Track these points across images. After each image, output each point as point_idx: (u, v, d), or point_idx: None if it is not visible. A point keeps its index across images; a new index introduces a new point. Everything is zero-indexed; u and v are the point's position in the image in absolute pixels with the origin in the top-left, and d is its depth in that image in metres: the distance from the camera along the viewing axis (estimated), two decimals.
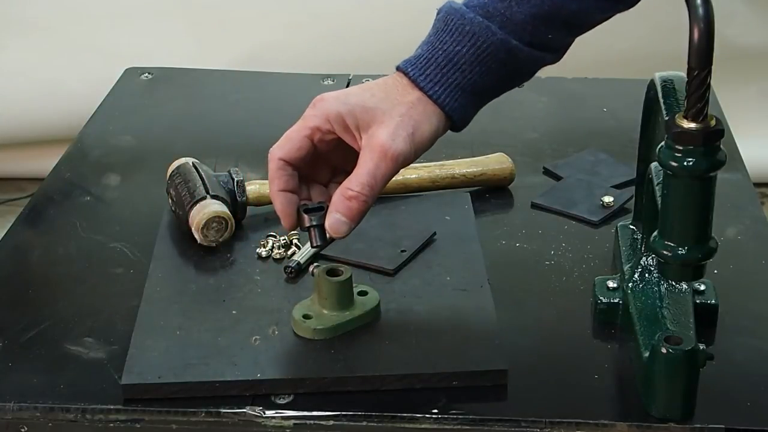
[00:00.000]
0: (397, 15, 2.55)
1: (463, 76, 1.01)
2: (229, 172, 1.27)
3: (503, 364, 1.03)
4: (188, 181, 1.24)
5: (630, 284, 1.09)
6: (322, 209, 1.02)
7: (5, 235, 1.29)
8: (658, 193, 0.99)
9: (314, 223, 1.02)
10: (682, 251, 0.94)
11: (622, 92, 1.61)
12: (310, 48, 2.63)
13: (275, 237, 1.22)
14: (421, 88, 1.01)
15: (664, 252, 0.95)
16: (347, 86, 1.45)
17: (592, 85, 1.67)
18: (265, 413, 1.00)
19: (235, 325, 1.08)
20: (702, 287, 1.10)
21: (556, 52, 1.04)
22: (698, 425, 0.97)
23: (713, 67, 0.89)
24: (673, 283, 1.08)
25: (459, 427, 0.98)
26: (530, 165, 1.40)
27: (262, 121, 1.53)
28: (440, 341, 1.06)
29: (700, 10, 0.88)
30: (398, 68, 1.03)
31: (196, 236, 1.20)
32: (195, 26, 2.70)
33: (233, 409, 1.00)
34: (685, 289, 1.08)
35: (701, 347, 0.96)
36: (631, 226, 1.19)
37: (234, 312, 1.11)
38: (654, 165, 1.03)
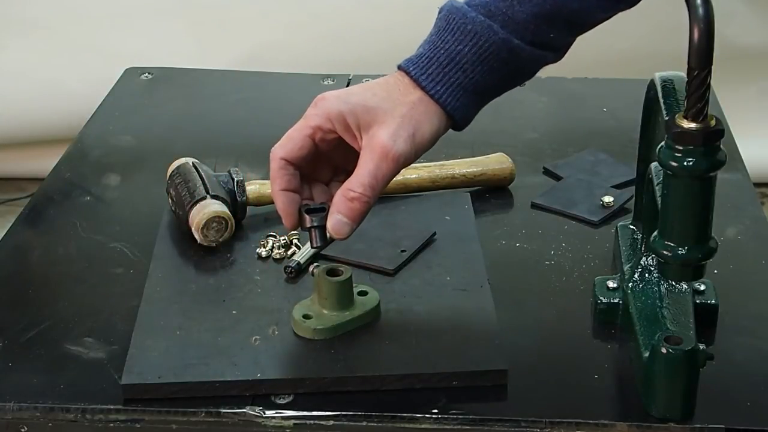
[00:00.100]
0: (397, 15, 2.55)
1: (464, 76, 1.01)
2: (229, 172, 1.27)
3: (503, 364, 1.03)
4: (188, 181, 1.24)
5: (630, 284, 1.09)
6: (323, 210, 1.02)
7: (5, 235, 1.29)
8: (658, 193, 0.99)
9: (315, 224, 1.02)
10: (682, 251, 0.94)
11: (622, 92, 1.61)
12: (310, 48, 2.64)
13: (275, 237, 1.22)
14: (422, 88, 1.01)
15: (664, 252, 0.95)
16: (347, 86, 1.45)
17: (592, 85, 1.67)
18: (265, 413, 1.00)
19: (235, 325, 1.08)
20: (702, 287, 1.10)
21: (557, 51, 1.04)
22: (698, 425, 0.97)
23: (713, 67, 0.89)
24: (673, 283, 1.08)
25: (459, 427, 0.98)
26: (530, 165, 1.40)
27: (262, 121, 1.53)
28: (440, 341, 1.06)
29: (700, 10, 0.88)
30: (400, 67, 1.03)
31: (196, 236, 1.20)
32: (195, 26, 2.70)
33: (233, 409, 1.00)
34: (685, 289, 1.08)
35: (701, 347, 0.96)
36: (631, 226, 1.19)
37: (234, 312, 1.11)
38: (654, 165, 1.03)
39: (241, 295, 1.13)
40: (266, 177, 1.32)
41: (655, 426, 0.98)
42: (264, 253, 1.20)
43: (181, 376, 1.01)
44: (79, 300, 1.16)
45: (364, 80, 1.43)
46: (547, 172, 1.39)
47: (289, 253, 1.20)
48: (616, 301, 1.10)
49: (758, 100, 2.80)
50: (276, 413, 1.00)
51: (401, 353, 1.04)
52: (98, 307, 1.14)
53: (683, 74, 0.93)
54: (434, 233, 1.22)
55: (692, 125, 0.90)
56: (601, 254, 1.22)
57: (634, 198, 1.23)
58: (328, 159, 1.04)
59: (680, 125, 0.91)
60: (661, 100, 1.05)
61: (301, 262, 1.17)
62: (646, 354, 0.98)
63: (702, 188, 0.92)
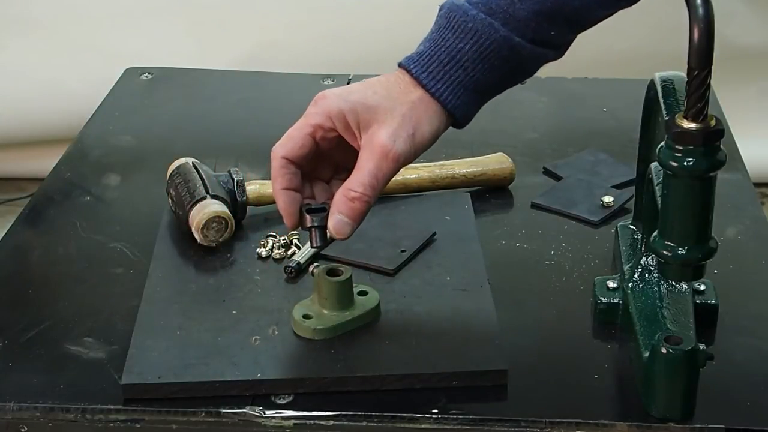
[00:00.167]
0: (397, 15, 2.55)
1: (465, 74, 1.01)
2: (229, 172, 1.27)
3: (503, 364, 1.03)
4: (188, 181, 1.24)
5: (630, 284, 1.09)
6: (324, 210, 1.02)
7: (5, 235, 1.29)
8: (658, 193, 0.99)
9: (315, 224, 1.02)
10: (682, 251, 0.94)
11: (622, 92, 1.61)
12: (310, 48, 2.63)
13: (275, 237, 1.22)
14: (423, 86, 1.01)
15: (664, 252, 0.95)
16: None
17: (592, 85, 1.67)
18: (265, 413, 1.00)
19: (235, 325, 1.08)
20: (702, 287, 1.10)
21: (558, 49, 1.04)
22: (698, 425, 0.97)
23: (713, 67, 0.89)
24: (673, 283, 1.08)
25: (459, 427, 0.98)
26: (530, 165, 1.40)
27: (262, 121, 1.53)
28: (440, 341, 1.06)
29: (700, 10, 0.88)
30: (400, 65, 1.02)
31: (196, 236, 1.20)
32: (195, 26, 2.70)
33: (233, 409, 1.00)
34: (685, 289, 1.08)
35: (701, 347, 0.96)
36: (631, 226, 1.19)
37: (234, 312, 1.11)
38: (654, 165, 1.03)
39: (241, 295, 1.13)
40: (266, 177, 1.32)
41: (655, 426, 0.98)
42: (264, 253, 1.20)
43: (181, 376, 1.01)
44: (79, 300, 1.16)
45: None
46: (547, 172, 1.39)
47: (289, 253, 1.20)
48: (616, 301, 1.10)
49: (758, 100, 2.80)
50: (276, 413, 1.00)
51: (401, 353, 1.04)
52: (98, 307, 1.14)
53: (683, 74, 0.93)
54: (434, 233, 1.22)
55: (692, 125, 0.90)
56: (601, 254, 1.22)
57: (634, 198, 1.23)
58: (329, 157, 1.04)
59: (680, 125, 0.91)
60: (661, 100, 1.05)
61: (301, 262, 1.17)
62: (646, 354, 0.98)
63: (702, 188, 0.92)
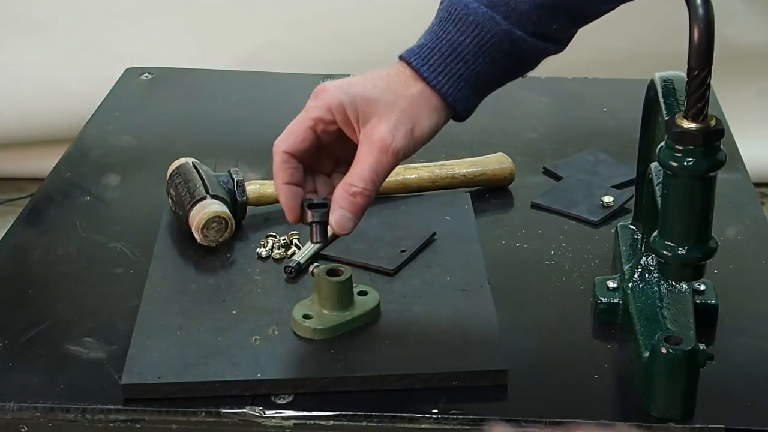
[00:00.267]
0: (397, 15, 2.55)
1: (466, 67, 1.00)
2: (229, 172, 1.27)
3: (503, 364, 1.03)
4: (188, 181, 1.24)
5: (630, 284, 1.09)
6: (325, 206, 1.01)
7: (5, 235, 1.29)
8: (658, 193, 0.99)
9: (316, 219, 1.01)
10: (682, 251, 0.94)
11: (622, 92, 1.61)
12: (310, 48, 2.63)
13: (275, 237, 1.22)
14: (423, 79, 1.00)
15: (664, 252, 0.95)
16: None
17: (592, 85, 1.67)
18: (265, 413, 1.00)
19: (235, 325, 1.08)
20: (702, 287, 1.10)
21: (559, 43, 1.03)
22: (698, 425, 0.97)
23: (713, 67, 0.89)
24: (673, 283, 1.08)
25: (459, 427, 0.98)
26: (530, 165, 1.40)
27: (262, 121, 1.53)
28: (440, 341, 1.06)
29: (700, 10, 0.88)
30: (401, 57, 1.02)
31: (196, 236, 1.20)
32: (195, 26, 2.70)
33: (233, 409, 1.00)
34: (685, 289, 1.08)
35: (701, 347, 0.96)
36: (631, 226, 1.19)
37: (234, 312, 1.11)
38: (654, 165, 1.03)
39: (241, 295, 1.13)
40: (266, 177, 1.32)
41: (655, 426, 0.98)
42: (264, 253, 1.20)
43: (181, 376, 1.01)
44: (79, 300, 1.16)
45: None
46: (547, 172, 1.39)
47: (289, 253, 1.20)
48: (616, 301, 1.10)
49: (758, 100, 2.80)
50: (276, 413, 1.00)
51: (401, 353, 1.04)
52: (98, 307, 1.14)
53: (683, 74, 0.93)
54: (434, 233, 1.22)
55: (692, 125, 0.90)
56: (601, 254, 1.22)
57: (634, 198, 1.23)
58: (330, 150, 1.03)
59: (680, 125, 0.91)
60: (661, 100, 1.05)
61: (301, 262, 1.17)
62: (646, 354, 0.98)
63: (702, 188, 0.92)
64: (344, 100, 0.99)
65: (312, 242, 1.03)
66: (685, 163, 0.91)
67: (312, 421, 0.99)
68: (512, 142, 1.46)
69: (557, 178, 1.38)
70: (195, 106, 1.61)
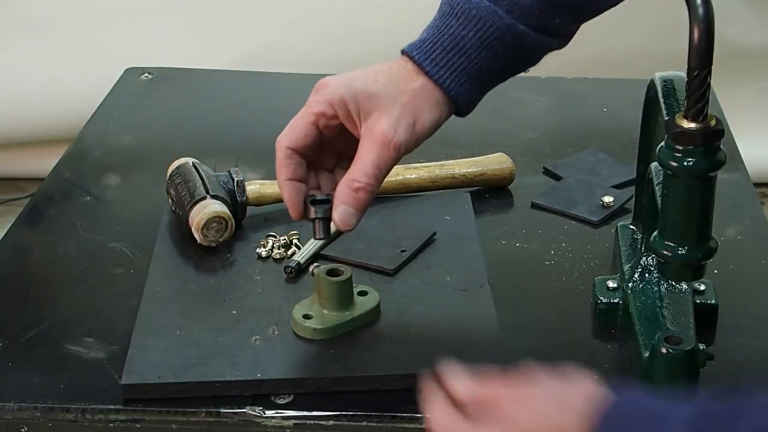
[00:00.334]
0: (397, 15, 2.54)
1: (468, 61, 1.00)
2: (229, 172, 1.27)
3: (503, 364, 1.02)
4: (188, 181, 1.24)
5: (630, 284, 1.09)
6: (328, 202, 1.00)
7: (5, 235, 1.29)
8: (658, 193, 0.99)
9: (319, 215, 1.01)
10: (682, 251, 0.94)
11: (622, 92, 1.61)
12: (310, 48, 2.63)
13: (275, 237, 1.22)
14: (426, 73, 1.00)
15: (664, 252, 0.95)
16: None
17: (592, 85, 1.67)
18: (265, 413, 1.00)
19: (235, 325, 1.08)
20: (702, 287, 1.10)
21: (562, 38, 1.03)
22: None
23: (713, 67, 0.89)
24: (673, 283, 1.08)
25: None
26: (530, 165, 1.40)
27: (262, 121, 1.53)
28: (440, 341, 1.06)
29: (700, 10, 0.88)
30: (403, 52, 1.02)
31: (196, 236, 1.20)
32: (195, 26, 2.70)
33: (233, 409, 1.00)
34: (685, 289, 1.08)
35: (701, 347, 0.97)
36: (631, 226, 1.19)
37: (234, 312, 1.11)
38: (654, 165, 1.03)
39: (241, 295, 1.13)
40: (266, 177, 1.32)
41: None
42: (264, 253, 1.20)
43: (181, 376, 1.01)
44: (79, 300, 1.16)
45: None
46: (547, 172, 1.39)
47: (289, 253, 1.20)
48: (616, 301, 1.10)
49: (758, 100, 2.80)
50: (276, 413, 1.00)
51: (401, 353, 1.04)
52: (98, 307, 1.14)
53: (683, 74, 0.93)
54: (434, 233, 1.22)
55: (692, 125, 0.90)
56: (601, 254, 1.22)
57: (634, 198, 1.23)
58: (332, 146, 1.03)
59: (680, 125, 0.91)
60: (661, 100, 1.05)
61: (301, 262, 1.17)
62: (646, 354, 0.98)
63: (702, 188, 0.92)
64: (345, 95, 0.99)
65: (315, 239, 1.03)
66: (685, 163, 0.91)
67: (312, 421, 0.99)
68: (512, 142, 1.46)
69: (557, 178, 1.38)
70: (195, 106, 1.61)
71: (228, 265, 1.19)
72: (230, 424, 1.00)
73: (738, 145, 1.44)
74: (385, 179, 1.01)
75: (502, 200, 1.34)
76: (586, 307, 1.13)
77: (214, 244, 1.21)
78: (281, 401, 1.01)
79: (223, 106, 1.60)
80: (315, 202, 1.01)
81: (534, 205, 1.32)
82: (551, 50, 1.03)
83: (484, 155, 1.37)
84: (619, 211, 1.29)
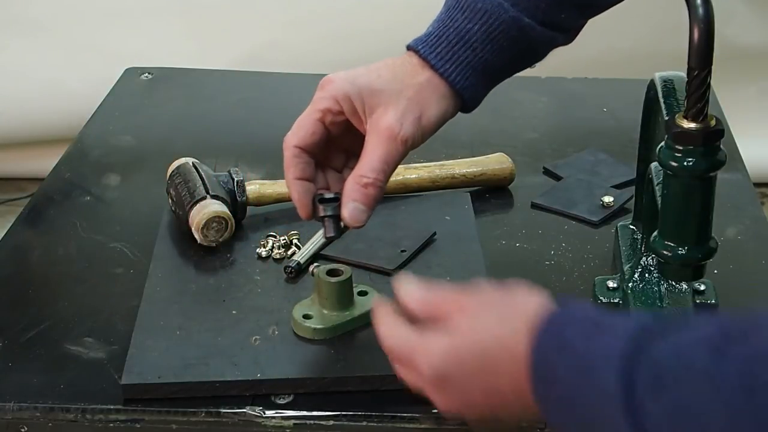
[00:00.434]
0: (397, 15, 2.55)
1: (474, 54, 1.00)
2: (229, 172, 1.27)
3: None
4: (188, 181, 1.24)
5: (630, 284, 1.09)
6: (337, 200, 1.00)
7: (5, 235, 1.29)
8: (658, 193, 0.99)
9: (328, 213, 1.00)
10: (682, 251, 0.94)
11: (622, 92, 1.61)
12: (310, 48, 2.64)
13: (275, 237, 1.22)
14: (431, 66, 1.00)
15: (664, 252, 0.95)
16: None
17: (592, 85, 1.67)
18: (265, 413, 1.00)
19: (235, 325, 1.08)
20: (702, 287, 1.10)
21: (567, 33, 1.03)
22: None
23: (713, 67, 0.89)
24: (673, 283, 1.07)
25: (459, 427, 0.98)
26: (530, 165, 1.40)
27: (262, 121, 1.53)
28: None
29: (700, 10, 0.88)
30: (408, 47, 1.01)
31: (196, 236, 1.20)
32: (195, 26, 2.70)
33: (233, 409, 1.00)
34: (685, 289, 1.08)
35: None
36: (631, 226, 1.19)
37: (234, 312, 1.11)
38: (654, 165, 1.03)
39: (241, 295, 1.13)
40: (266, 177, 1.32)
41: None
42: (264, 253, 1.20)
43: (181, 376, 1.01)
44: (79, 300, 1.16)
45: None
46: (547, 172, 1.39)
47: (289, 253, 1.20)
48: (616, 301, 1.10)
49: (758, 100, 2.80)
50: (276, 413, 1.00)
51: None
52: (98, 307, 1.14)
53: (683, 74, 0.93)
54: (434, 233, 1.22)
55: (692, 125, 0.90)
56: (601, 254, 1.22)
57: (634, 198, 1.23)
58: (339, 145, 1.03)
59: (680, 125, 0.91)
60: (661, 100, 1.05)
61: (301, 262, 1.17)
62: None
63: (702, 188, 0.92)
64: (350, 91, 0.99)
65: (325, 237, 1.02)
66: (685, 163, 0.91)
67: (312, 421, 0.99)
68: (512, 142, 1.46)
69: (557, 178, 1.38)
70: (195, 106, 1.61)
71: (228, 265, 1.19)
72: (230, 424, 1.00)
73: (738, 145, 1.44)
74: None
75: (502, 200, 1.34)
76: None
77: (214, 244, 1.21)
78: (281, 401, 1.01)
79: (223, 106, 1.60)
80: (323, 201, 1.01)
81: (534, 205, 1.32)
82: (557, 45, 1.03)
83: (484, 155, 1.37)
84: (619, 211, 1.29)
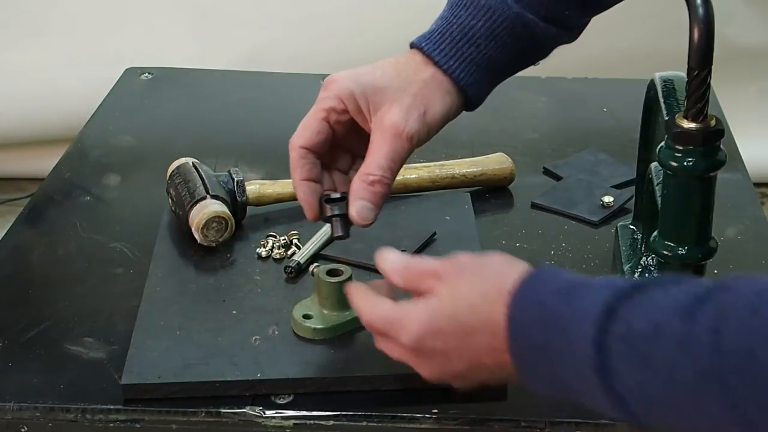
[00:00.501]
0: (397, 15, 2.55)
1: (477, 51, 1.00)
2: (229, 172, 1.27)
3: None
4: (188, 181, 1.24)
5: None
6: (344, 199, 1.00)
7: (5, 235, 1.29)
8: (658, 193, 0.99)
9: (336, 212, 1.00)
10: (682, 251, 0.94)
11: (622, 92, 1.61)
12: (310, 48, 2.64)
13: (275, 237, 1.22)
14: (435, 63, 1.00)
15: (664, 252, 0.95)
16: None
17: (592, 85, 1.67)
18: (265, 413, 1.00)
19: (235, 325, 1.08)
20: None
21: (571, 30, 1.03)
22: None
23: (713, 67, 0.89)
24: None
25: (459, 427, 0.98)
26: (530, 165, 1.40)
27: (262, 121, 1.53)
28: None
29: (700, 10, 0.88)
30: (412, 45, 1.01)
31: (196, 236, 1.20)
32: (195, 26, 2.70)
33: (233, 409, 1.00)
34: None
35: None
36: (631, 226, 1.19)
37: (234, 312, 1.11)
38: (654, 165, 1.03)
39: (241, 295, 1.13)
40: (266, 177, 1.32)
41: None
42: (264, 253, 1.20)
43: (181, 376, 1.01)
44: (79, 300, 1.16)
45: None
46: (547, 172, 1.39)
47: (289, 253, 1.20)
48: None
49: (758, 100, 2.80)
50: (276, 413, 1.00)
51: None
52: (98, 307, 1.14)
53: (683, 74, 0.93)
54: (434, 233, 1.22)
55: (692, 125, 0.90)
56: (601, 254, 1.22)
57: (634, 198, 1.23)
58: (344, 145, 1.03)
59: (680, 125, 0.91)
60: (661, 100, 1.05)
61: (301, 262, 1.17)
62: None
63: (702, 188, 0.93)
64: (354, 89, 0.99)
65: (333, 237, 1.01)
66: (685, 163, 0.91)
67: (312, 421, 0.99)
68: (512, 142, 1.46)
69: (557, 178, 1.38)
70: (195, 106, 1.61)
71: (228, 265, 1.19)
72: (230, 424, 1.00)
73: (738, 145, 1.44)
74: None
75: (502, 200, 1.34)
76: None
77: (214, 244, 1.21)
78: (281, 401, 1.01)
79: (223, 106, 1.60)
80: (330, 201, 1.00)
81: (534, 205, 1.32)
82: (561, 43, 1.03)
83: (484, 155, 1.37)
84: (619, 211, 1.29)
